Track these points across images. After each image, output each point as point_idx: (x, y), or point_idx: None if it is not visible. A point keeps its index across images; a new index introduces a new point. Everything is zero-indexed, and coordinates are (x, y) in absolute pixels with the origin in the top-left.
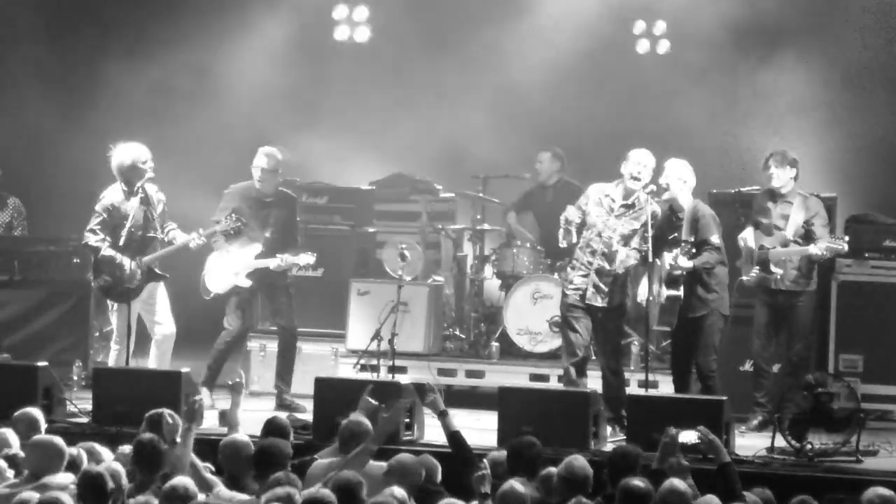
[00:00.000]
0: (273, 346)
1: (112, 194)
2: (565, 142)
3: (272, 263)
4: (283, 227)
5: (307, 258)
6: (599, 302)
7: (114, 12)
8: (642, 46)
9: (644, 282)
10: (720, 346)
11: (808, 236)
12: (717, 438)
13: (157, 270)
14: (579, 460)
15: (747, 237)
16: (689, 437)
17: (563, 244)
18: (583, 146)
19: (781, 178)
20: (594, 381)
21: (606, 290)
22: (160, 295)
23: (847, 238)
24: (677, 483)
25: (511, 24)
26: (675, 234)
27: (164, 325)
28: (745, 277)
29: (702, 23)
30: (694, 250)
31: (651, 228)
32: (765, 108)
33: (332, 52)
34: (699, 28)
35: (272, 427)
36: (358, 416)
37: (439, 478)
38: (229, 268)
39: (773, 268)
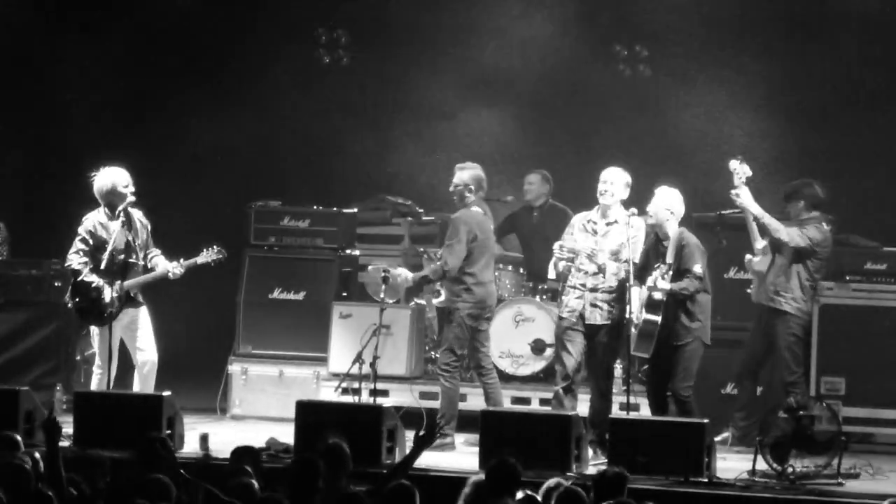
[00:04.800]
0: (256, 369)
1: (94, 217)
2: (546, 165)
3: None
4: None
5: None
6: (599, 320)
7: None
8: (624, 70)
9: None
10: (698, 372)
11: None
12: None
13: (136, 297)
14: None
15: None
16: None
17: (552, 275)
18: (564, 169)
19: (792, 211)
20: (582, 404)
21: (604, 307)
22: (143, 321)
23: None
24: None
25: (488, 46)
26: (660, 261)
27: (146, 351)
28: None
29: (684, 46)
30: (671, 273)
31: (642, 244)
32: (745, 130)
33: (316, 73)
34: (681, 51)
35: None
36: (339, 440)
37: None
38: None
39: (751, 276)
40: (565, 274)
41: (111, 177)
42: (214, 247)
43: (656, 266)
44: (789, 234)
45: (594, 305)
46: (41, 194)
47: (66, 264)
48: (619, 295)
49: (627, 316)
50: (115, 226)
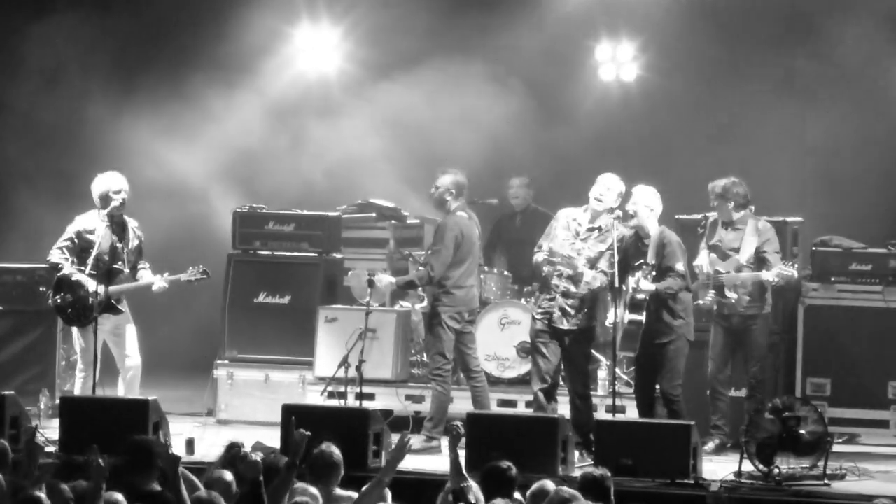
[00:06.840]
0: (242, 373)
1: (85, 219)
2: (528, 170)
3: None
4: None
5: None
6: (566, 325)
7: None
8: (606, 72)
9: (611, 306)
10: (685, 372)
11: (761, 261)
12: None
13: (117, 304)
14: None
15: (703, 261)
16: None
17: (543, 272)
18: (546, 174)
19: (722, 211)
20: (563, 407)
21: (573, 313)
22: (129, 328)
23: (796, 265)
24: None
25: (473, 51)
26: (641, 260)
27: (132, 357)
28: (701, 301)
29: (668, 49)
30: (654, 273)
31: (617, 252)
32: (730, 133)
33: (302, 79)
34: (664, 54)
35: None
36: (330, 446)
37: None
38: None
39: (727, 292)
40: (546, 275)
41: (104, 181)
42: (200, 266)
43: (635, 264)
44: (775, 272)
45: (563, 310)
46: (26, 200)
47: (47, 258)
48: (591, 303)
49: (616, 320)
50: (105, 230)
